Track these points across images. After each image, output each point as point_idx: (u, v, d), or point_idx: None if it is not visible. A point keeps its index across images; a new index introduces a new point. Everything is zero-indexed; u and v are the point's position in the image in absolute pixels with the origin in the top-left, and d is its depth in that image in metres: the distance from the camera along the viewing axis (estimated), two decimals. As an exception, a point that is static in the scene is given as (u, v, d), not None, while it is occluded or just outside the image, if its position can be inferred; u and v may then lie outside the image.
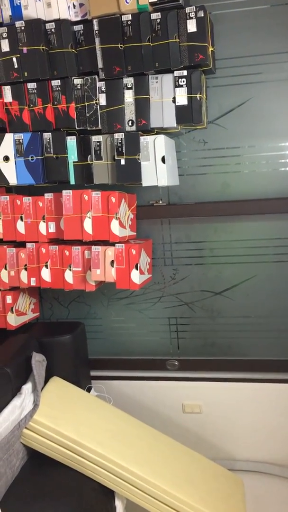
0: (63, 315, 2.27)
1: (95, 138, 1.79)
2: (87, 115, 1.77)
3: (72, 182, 1.83)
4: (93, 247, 1.79)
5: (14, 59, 1.77)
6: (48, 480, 1.62)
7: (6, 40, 1.76)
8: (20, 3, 1.74)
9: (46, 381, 1.87)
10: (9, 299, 1.95)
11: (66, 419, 1.69)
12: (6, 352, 1.79)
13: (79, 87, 1.77)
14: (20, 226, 1.88)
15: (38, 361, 1.82)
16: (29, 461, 1.71)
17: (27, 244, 1.88)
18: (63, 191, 1.78)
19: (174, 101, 1.71)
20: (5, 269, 1.91)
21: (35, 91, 1.79)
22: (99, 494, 1.62)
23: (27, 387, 1.71)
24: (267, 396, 2.02)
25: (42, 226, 1.87)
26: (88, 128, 1.79)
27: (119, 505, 1.69)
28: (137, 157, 1.73)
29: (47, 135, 1.82)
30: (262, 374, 2.05)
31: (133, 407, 2.14)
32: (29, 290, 2.07)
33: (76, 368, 2.02)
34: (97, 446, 1.63)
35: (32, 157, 1.82)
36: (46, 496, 1.54)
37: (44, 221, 1.86)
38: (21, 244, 1.92)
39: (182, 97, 1.70)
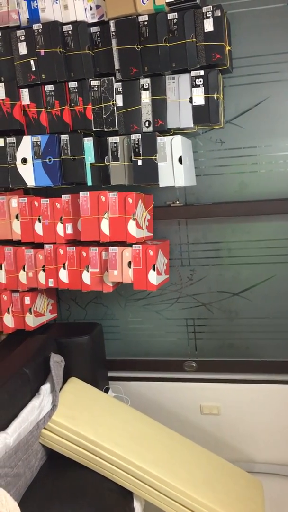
0: (80, 316, 2.27)
1: (112, 139, 1.79)
2: (104, 116, 1.78)
3: (89, 183, 1.83)
4: (110, 248, 1.79)
5: (32, 62, 1.79)
6: (67, 480, 1.62)
7: (24, 43, 1.78)
8: (37, 6, 1.75)
9: (64, 382, 1.88)
10: (27, 300, 1.96)
11: (84, 419, 1.70)
12: (25, 353, 1.80)
13: (96, 89, 1.78)
14: (38, 228, 1.89)
15: (56, 362, 1.83)
16: (48, 462, 1.71)
17: (45, 245, 1.89)
18: (80, 192, 1.79)
19: (191, 101, 1.70)
20: (23, 270, 1.93)
21: (52, 93, 1.80)
22: (118, 495, 1.62)
23: (45, 388, 1.72)
24: (286, 398, 2.00)
25: (59, 228, 1.88)
26: (105, 129, 1.79)
27: (137, 506, 1.69)
28: (154, 157, 1.73)
29: (64, 137, 1.83)
30: (281, 375, 2.03)
31: (151, 408, 2.13)
32: (47, 291, 2.08)
33: (94, 369, 2.02)
34: (115, 447, 1.63)
35: (49, 159, 1.83)
36: (64, 496, 1.54)
37: (61, 223, 1.87)
38: (39, 246, 1.93)
39: (199, 97, 1.69)
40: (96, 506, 1.52)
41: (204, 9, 1.62)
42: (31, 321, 1.98)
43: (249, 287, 2.04)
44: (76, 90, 1.78)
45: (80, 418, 1.70)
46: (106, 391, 2.08)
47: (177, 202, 2.00)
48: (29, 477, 1.59)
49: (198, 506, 1.59)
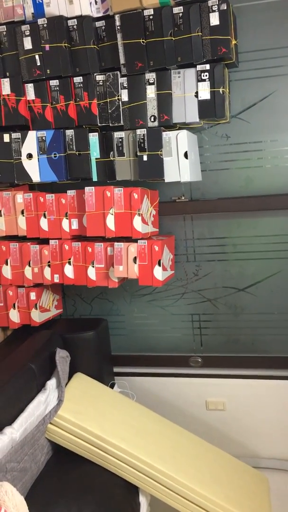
0: (86, 312, 2.28)
1: (117, 134, 1.79)
2: (109, 111, 1.77)
3: (95, 178, 1.83)
4: (115, 243, 1.79)
5: (37, 57, 1.78)
6: (73, 475, 1.63)
7: (29, 38, 1.77)
8: (42, 0, 1.75)
9: (70, 377, 1.88)
10: (33, 296, 1.96)
11: (90, 414, 1.70)
12: (31, 348, 1.81)
13: (101, 84, 1.77)
14: (44, 223, 1.89)
15: (62, 357, 1.83)
16: (54, 456, 1.72)
17: (50, 241, 1.89)
18: (85, 187, 1.79)
19: (196, 95, 1.69)
20: (29, 266, 1.93)
21: (57, 88, 1.80)
22: (123, 489, 1.62)
23: (51, 383, 1.73)
24: (292, 394, 2.00)
25: (65, 223, 1.87)
26: (110, 125, 1.79)
27: (143, 501, 1.69)
28: (159, 153, 1.72)
29: (69, 132, 1.82)
30: (287, 371, 2.02)
31: (156, 403, 2.13)
32: (52, 286, 2.08)
33: (100, 364, 2.02)
34: (121, 442, 1.64)
35: (55, 154, 1.83)
36: (70, 491, 1.55)
37: (67, 218, 1.87)
38: (44, 241, 1.93)
39: (204, 92, 1.68)
40: (102, 501, 1.52)
41: (210, 2, 1.61)
42: (37, 317, 1.98)
43: (255, 283, 2.03)
44: (81, 85, 1.78)
45: (86, 413, 1.70)
46: (112, 386, 2.09)
47: (183, 198, 2.00)
48: (35, 471, 1.59)
49: (204, 501, 1.59)
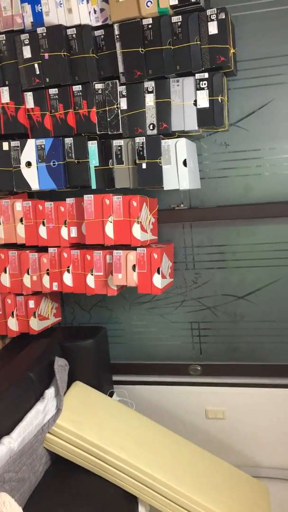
0: (85, 320, 2.27)
1: (116, 143, 1.79)
2: (108, 119, 1.77)
3: (94, 186, 1.83)
4: (114, 251, 1.79)
5: (36, 65, 1.79)
6: (71, 485, 1.61)
7: (28, 47, 1.78)
8: (41, 9, 1.76)
9: (68, 386, 1.87)
10: (31, 304, 1.96)
11: (88, 424, 1.69)
12: (29, 356, 1.80)
13: (100, 92, 1.77)
14: (42, 231, 1.89)
15: (61, 365, 1.83)
16: (52, 466, 1.71)
17: (49, 249, 1.89)
18: (84, 195, 1.79)
19: (195, 104, 1.70)
20: (28, 274, 1.92)
21: (56, 96, 1.80)
22: (122, 499, 1.61)
23: (50, 392, 1.72)
24: (292, 402, 1.99)
25: (64, 231, 1.87)
26: (109, 133, 1.79)
27: (142, 511, 1.67)
28: (158, 161, 1.73)
29: (68, 140, 1.82)
30: (287, 379, 2.01)
31: (156, 412, 2.12)
32: (51, 294, 2.08)
33: (98, 372, 2.01)
34: (120, 451, 1.62)
35: (53, 162, 1.83)
36: (69, 501, 1.53)
37: (65, 226, 1.87)
38: (43, 249, 1.93)
39: (203, 100, 1.69)
40: (100, 511, 1.51)
41: (208, 11, 1.62)
42: (35, 325, 1.97)
43: (254, 290, 2.03)
44: (80, 93, 1.78)
45: (84, 422, 1.69)
46: (111, 395, 2.08)
47: (182, 205, 2.00)
48: (33, 481, 1.58)
49: (203, 511, 1.58)
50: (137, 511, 1.65)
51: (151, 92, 1.73)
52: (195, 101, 1.70)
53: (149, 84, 1.72)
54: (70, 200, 1.86)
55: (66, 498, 1.54)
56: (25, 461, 1.52)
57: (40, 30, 1.76)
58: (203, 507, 1.58)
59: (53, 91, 1.80)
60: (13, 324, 1.99)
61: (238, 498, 1.70)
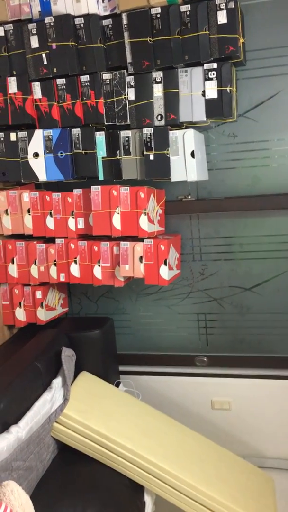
0: (91, 310, 2.28)
1: (123, 133, 1.78)
2: (116, 110, 1.77)
3: (101, 177, 1.83)
4: (121, 242, 1.79)
5: (44, 55, 1.78)
6: (78, 474, 1.63)
7: (36, 36, 1.77)
8: (49, -1, 1.74)
9: (75, 376, 1.88)
10: (39, 294, 1.97)
11: (95, 413, 1.70)
12: (36, 347, 1.81)
13: (108, 82, 1.76)
14: (50, 222, 1.89)
15: (68, 356, 1.84)
16: (59, 455, 1.72)
17: (56, 240, 1.89)
18: (92, 186, 1.79)
19: (204, 94, 1.69)
20: (35, 264, 1.93)
21: (64, 87, 1.79)
22: (129, 489, 1.62)
23: (57, 382, 1.73)
24: (298, 394, 1.99)
25: (71, 222, 1.87)
26: (116, 123, 1.78)
27: (148, 500, 1.69)
28: (166, 152, 1.72)
29: (76, 131, 1.82)
30: (293, 371, 2.02)
31: (162, 402, 2.13)
32: (58, 285, 2.08)
33: (105, 363, 2.02)
34: (126, 441, 1.64)
35: (61, 153, 1.83)
36: (75, 490, 1.55)
37: (73, 217, 1.87)
38: (50, 240, 1.93)
39: (212, 90, 1.67)
40: (107, 500, 1.53)
41: (218, 0, 1.60)
42: (43, 315, 1.98)
43: (261, 282, 2.02)
44: (88, 83, 1.77)
45: (91, 412, 1.70)
46: (117, 385, 2.09)
47: (189, 197, 1.99)
48: (40, 470, 1.60)
49: (208, 501, 1.59)
50: (143, 500, 1.66)
51: (159, 82, 1.72)
52: (204, 91, 1.68)
53: (157, 74, 1.71)
54: (77, 191, 1.86)
55: (73, 487, 1.56)
56: (32, 449, 1.54)
57: (47, 19, 1.74)
58: (209, 497, 1.59)
59: (60, 81, 1.80)
60: (20, 314, 2.01)
61: (243, 488, 1.71)
